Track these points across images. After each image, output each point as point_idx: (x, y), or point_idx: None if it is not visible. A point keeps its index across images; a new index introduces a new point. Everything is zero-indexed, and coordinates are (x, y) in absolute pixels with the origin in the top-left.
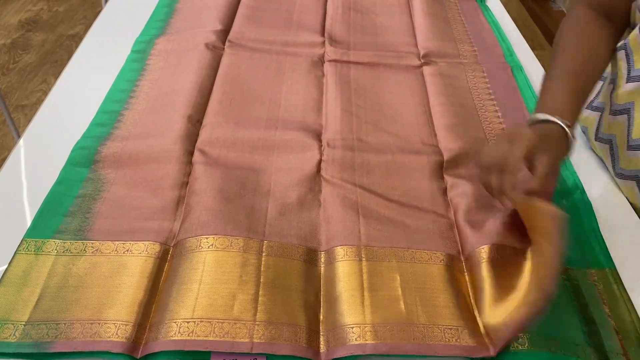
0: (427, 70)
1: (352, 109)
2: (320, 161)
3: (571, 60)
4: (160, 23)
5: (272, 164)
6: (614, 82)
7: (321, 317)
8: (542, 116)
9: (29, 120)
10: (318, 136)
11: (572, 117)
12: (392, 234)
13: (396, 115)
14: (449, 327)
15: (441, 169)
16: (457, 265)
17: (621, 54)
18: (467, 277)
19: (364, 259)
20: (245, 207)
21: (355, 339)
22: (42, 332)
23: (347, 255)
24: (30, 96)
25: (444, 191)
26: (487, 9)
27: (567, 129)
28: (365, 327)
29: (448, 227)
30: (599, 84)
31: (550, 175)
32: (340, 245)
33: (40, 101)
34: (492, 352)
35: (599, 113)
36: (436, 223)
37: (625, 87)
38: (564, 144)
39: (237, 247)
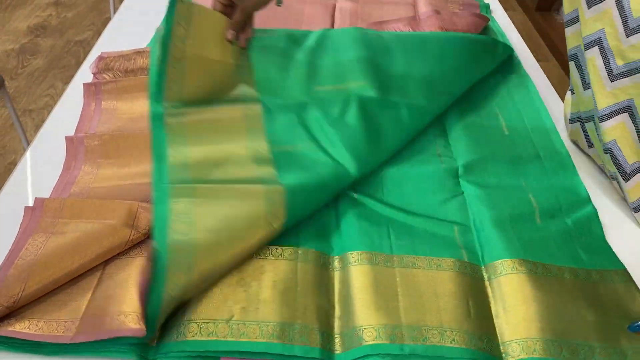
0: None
1: None
2: None
3: None
4: None
5: None
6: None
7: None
8: None
9: (36, 125)
10: None
11: None
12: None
13: None
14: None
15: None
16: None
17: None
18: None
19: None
20: None
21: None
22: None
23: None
24: (38, 101)
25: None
26: (493, 20)
27: None
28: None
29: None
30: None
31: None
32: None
33: (47, 106)
34: None
35: (578, 123)
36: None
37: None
38: None
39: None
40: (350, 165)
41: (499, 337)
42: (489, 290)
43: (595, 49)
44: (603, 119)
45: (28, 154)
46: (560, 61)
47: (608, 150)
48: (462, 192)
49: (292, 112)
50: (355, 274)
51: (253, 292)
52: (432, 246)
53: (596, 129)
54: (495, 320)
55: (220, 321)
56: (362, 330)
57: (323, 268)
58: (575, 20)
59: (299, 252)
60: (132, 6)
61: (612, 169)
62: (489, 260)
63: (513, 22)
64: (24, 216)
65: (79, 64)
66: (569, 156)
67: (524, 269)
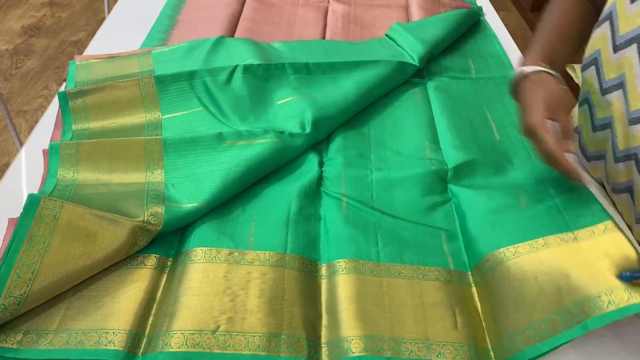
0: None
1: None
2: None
3: (556, 16)
4: (162, 34)
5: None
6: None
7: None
8: (529, 68)
9: (30, 126)
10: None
11: (561, 64)
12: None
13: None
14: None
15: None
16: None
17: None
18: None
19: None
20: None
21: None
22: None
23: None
24: (32, 102)
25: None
26: (486, 23)
27: (555, 74)
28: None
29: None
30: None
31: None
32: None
33: (42, 107)
34: None
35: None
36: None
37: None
38: (563, 92)
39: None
40: (234, 123)
41: (490, 339)
42: (475, 295)
43: (634, 46)
44: (633, 121)
45: (22, 155)
46: None
47: (633, 156)
48: (450, 199)
49: (183, 80)
50: (342, 282)
51: (240, 301)
52: (420, 254)
53: (613, 137)
54: (484, 323)
55: (206, 332)
56: (350, 342)
57: (310, 276)
58: (604, 20)
59: (287, 258)
60: (127, 6)
61: (624, 178)
62: (475, 262)
63: (507, 22)
64: (7, 228)
65: None
66: None
67: (510, 255)
